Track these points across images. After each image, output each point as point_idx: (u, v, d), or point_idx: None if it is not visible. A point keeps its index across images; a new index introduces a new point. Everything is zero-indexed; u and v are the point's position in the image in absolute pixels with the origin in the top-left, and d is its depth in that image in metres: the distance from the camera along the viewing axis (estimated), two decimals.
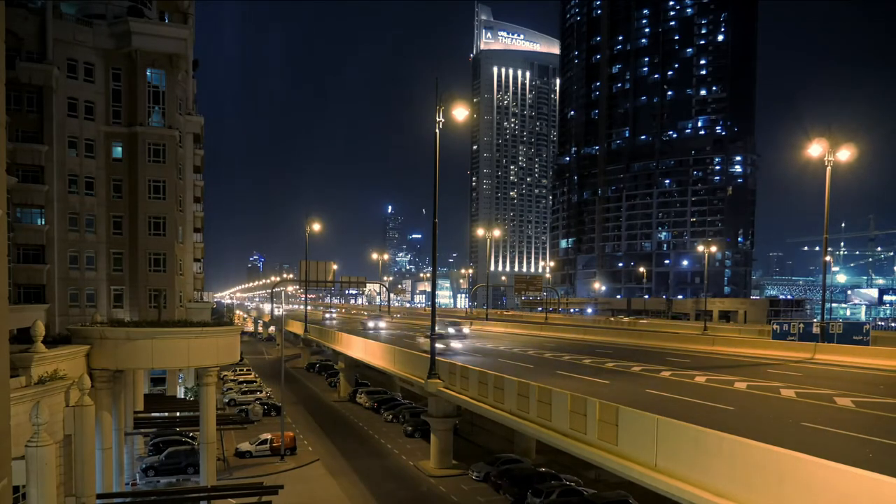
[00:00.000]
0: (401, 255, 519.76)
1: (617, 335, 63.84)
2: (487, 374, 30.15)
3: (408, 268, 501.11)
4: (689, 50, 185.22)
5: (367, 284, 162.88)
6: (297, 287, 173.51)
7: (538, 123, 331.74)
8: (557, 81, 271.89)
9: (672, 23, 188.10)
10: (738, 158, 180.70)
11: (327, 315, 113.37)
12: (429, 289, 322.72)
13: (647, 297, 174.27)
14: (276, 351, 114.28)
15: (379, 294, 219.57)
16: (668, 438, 17.78)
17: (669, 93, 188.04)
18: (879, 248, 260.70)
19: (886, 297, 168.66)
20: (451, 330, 60.32)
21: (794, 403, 25.12)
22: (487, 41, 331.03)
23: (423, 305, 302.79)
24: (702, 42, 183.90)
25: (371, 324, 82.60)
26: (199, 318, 49.63)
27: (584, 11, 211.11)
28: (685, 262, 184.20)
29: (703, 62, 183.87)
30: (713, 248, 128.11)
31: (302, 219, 79.62)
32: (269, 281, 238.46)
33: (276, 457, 43.84)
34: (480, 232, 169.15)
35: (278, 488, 28.24)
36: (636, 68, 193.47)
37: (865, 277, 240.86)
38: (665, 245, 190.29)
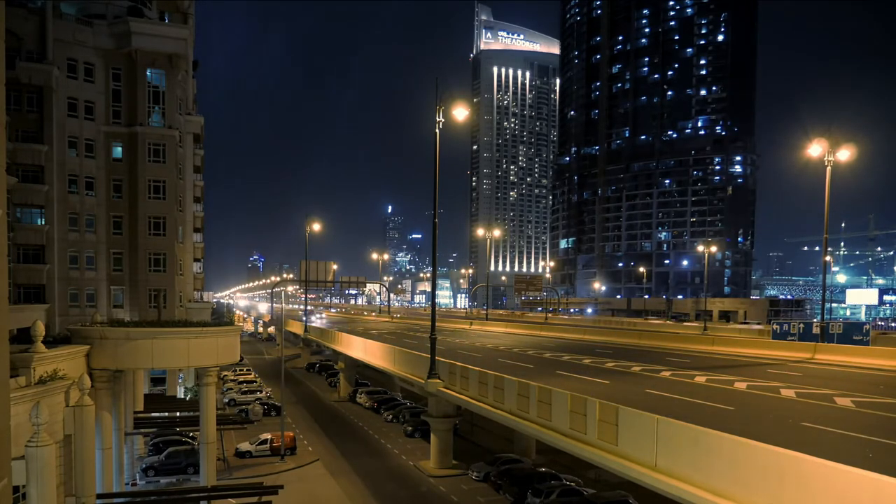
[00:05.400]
0: (401, 255, 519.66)
1: (617, 335, 63.85)
2: (487, 374, 30.14)
3: (408, 268, 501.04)
4: (689, 50, 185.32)
5: (367, 284, 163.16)
6: (297, 287, 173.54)
7: (538, 123, 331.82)
8: (557, 81, 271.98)
9: (672, 23, 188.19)
10: (738, 158, 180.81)
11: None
12: (429, 289, 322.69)
13: (647, 297, 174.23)
14: (276, 351, 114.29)
15: (379, 294, 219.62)
16: (668, 438, 17.78)
17: (669, 93, 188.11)
18: (879, 248, 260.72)
19: (886, 297, 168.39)
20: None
21: (795, 403, 25.13)
22: (487, 41, 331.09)
23: (423, 305, 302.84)
24: (702, 42, 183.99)
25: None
26: (199, 318, 49.65)
27: (584, 11, 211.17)
28: (685, 262, 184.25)
29: (703, 62, 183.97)
30: (713, 248, 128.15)
31: (302, 219, 79.72)
32: (269, 281, 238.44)
33: (276, 457, 43.83)
34: (480, 232, 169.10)
35: (278, 488, 28.22)
36: (636, 68, 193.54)
37: (865, 277, 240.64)
38: (665, 245, 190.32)
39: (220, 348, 30.72)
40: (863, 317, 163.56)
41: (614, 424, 20.06)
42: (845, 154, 41.61)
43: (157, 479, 37.74)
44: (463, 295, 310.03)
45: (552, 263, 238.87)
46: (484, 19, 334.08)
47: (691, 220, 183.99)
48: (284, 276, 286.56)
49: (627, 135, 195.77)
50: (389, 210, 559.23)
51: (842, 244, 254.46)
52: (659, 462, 17.98)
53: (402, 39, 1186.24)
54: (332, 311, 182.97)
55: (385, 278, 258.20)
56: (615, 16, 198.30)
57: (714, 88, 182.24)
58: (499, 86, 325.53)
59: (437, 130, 34.63)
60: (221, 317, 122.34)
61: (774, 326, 53.43)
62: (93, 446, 23.24)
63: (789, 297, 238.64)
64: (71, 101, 44.17)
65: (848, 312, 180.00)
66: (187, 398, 52.85)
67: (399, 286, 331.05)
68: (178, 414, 45.03)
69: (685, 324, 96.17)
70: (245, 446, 44.77)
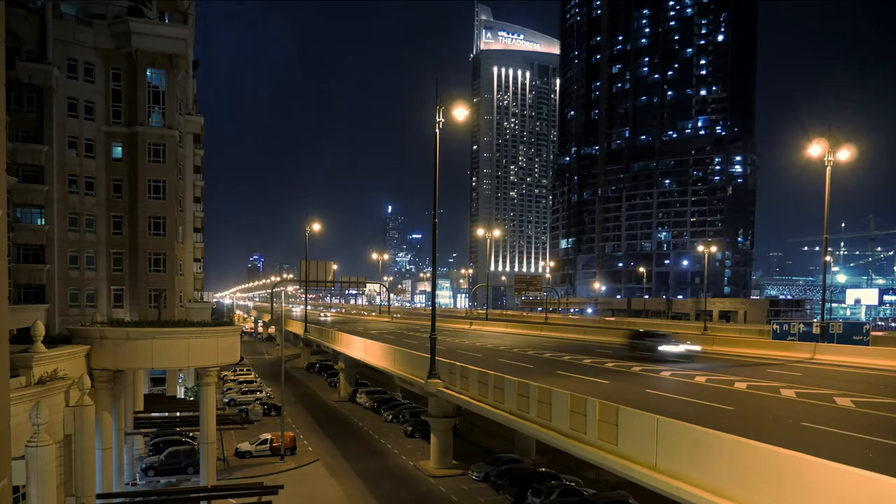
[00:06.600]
0: (401, 255, 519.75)
1: (617, 335, 63.76)
2: (487, 374, 30.14)
3: (408, 268, 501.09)
4: (688, 50, 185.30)
5: (367, 284, 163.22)
6: (297, 287, 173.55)
7: (538, 123, 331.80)
8: (557, 81, 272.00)
9: (672, 23, 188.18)
10: (738, 158, 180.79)
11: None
12: (429, 289, 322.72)
13: (647, 297, 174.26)
14: (276, 351, 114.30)
15: (379, 294, 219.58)
16: (668, 438, 17.78)
17: (669, 93, 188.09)
18: (879, 248, 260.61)
19: (886, 297, 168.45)
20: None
21: (794, 403, 25.12)
22: (487, 41, 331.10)
23: (423, 305, 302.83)
24: (702, 42, 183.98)
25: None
26: (199, 318, 49.63)
27: (584, 11, 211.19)
28: (685, 262, 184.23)
29: (702, 62, 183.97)
30: (713, 248, 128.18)
31: (302, 219, 79.72)
32: (269, 281, 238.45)
33: (276, 457, 43.84)
34: (480, 232, 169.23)
35: (278, 488, 28.23)
36: (636, 68, 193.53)
37: (865, 277, 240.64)
38: (665, 245, 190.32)
39: (220, 348, 30.72)
40: (863, 317, 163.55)
41: (614, 424, 20.06)
42: (845, 154, 41.59)
43: (157, 479, 37.73)
44: (463, 295, 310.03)
45: (552, 263, 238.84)
46: (484, 19, 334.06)
47: (691, 220, 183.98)
48: (284, 276, 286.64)
49: (627, 135, 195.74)
50: (389, 210, 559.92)
51: (842, 244, 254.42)
52: (659, 462, 17.98)
53: (402, 39, 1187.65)
54: (332, 310, 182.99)
55: (385, 278, 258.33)
56: (615, 16, 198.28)
57: (714, 88, 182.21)
58: (499, 86, 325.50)
59: (438, 130, 34.65)
60: (221, 317, 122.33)
61: (774, 326, 53.38)
62: (93, 446, 23.24)
63: (789, 297, 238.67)
64: (71, 101, 44.15)
65: (848, 312, 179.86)
66: (187, 398, 52.85)
67: (399, 286, 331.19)
68: (178, 414, 45.04)
69: (685, 323, 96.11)
70: (245, 446, 44.78)
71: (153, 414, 43.40)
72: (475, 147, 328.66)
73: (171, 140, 47.65)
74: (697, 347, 43.70)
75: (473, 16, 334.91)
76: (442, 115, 34.58)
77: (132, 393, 39.22)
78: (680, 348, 41.84)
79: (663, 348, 41.50)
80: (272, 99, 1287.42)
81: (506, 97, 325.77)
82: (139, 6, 48.03)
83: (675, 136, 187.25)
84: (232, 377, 74.42)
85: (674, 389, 28.80)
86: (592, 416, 21.21)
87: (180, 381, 56.43)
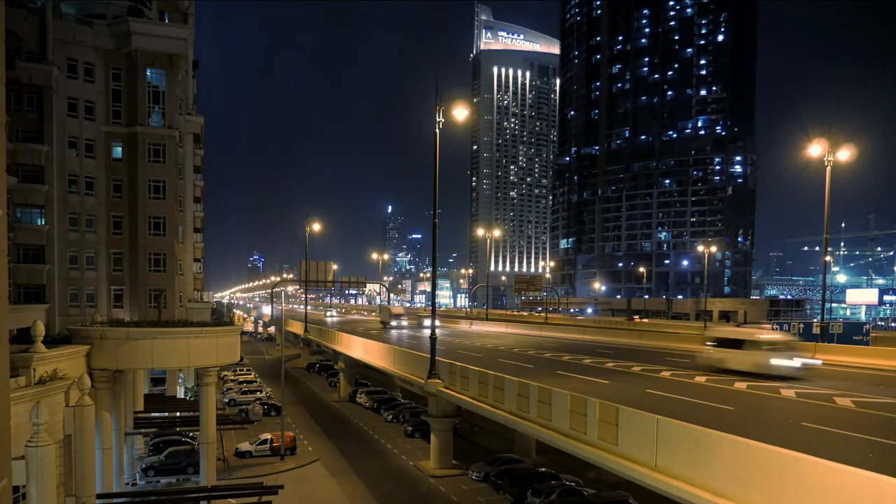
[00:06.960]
0: (401, 255, 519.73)
1: (617, 335, 63.85)
2: (487, 374, 30.14)
3: (408, 268, 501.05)
4: (688, 50, 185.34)
5: (367, 284, 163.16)
6: (297, 287, 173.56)
7: (538, 123, 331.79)
8: (557, 81, 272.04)
9: (672, 23, 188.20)
10: (738, 158, 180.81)
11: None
12: (429, 289, 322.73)
13: (647, 297, 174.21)
14: (276, 351, 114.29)
15: (379, 294, 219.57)
16: (669, 438, 17.78)
17: (669, 93, 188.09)
18: (879, 248, 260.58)
19: (886, 297, 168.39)
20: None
21: (794, 403, 25.12)
22: (487, 41, 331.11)
23: (423, 305, 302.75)
24: (702, 42, 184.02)
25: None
26: (199, 318, 49.61)
27: (584, 11, 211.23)
28: (685, 262, 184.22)
29: (702, 62, 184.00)
30: (713, 248, 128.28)
31: (302, 219, 79.70)
32: (269, 281, 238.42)
33: (276, 457, 43.84)
34: (480, 232, 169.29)
35: (278, 488, 28.23)
36: (636, 68, 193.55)
37: (865, 277, 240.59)
38: (665, 245, 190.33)
39: (220, 348, 30.73)
40: (863, 317, 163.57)
41: (614, 424, 20.06)
42: (845, 154, 41.59)
43: (157, 479, 37.73)
44: (463, 295, 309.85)
45: (552, 263, 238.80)
46: (484, 19, 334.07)
47: (691, 220, 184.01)
48: (284, 276, 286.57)
49: (627, 135, 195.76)
50: (389, 210, 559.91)
51: (842, 244, 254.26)
52: (659, 462, 17.98)
53: (402, 40, 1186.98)
54: (332, 311, 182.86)
55: (385, 278, 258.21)
56: (615, 16, 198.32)
57: (714, 88, 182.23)
58: (499, 86, 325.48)
59: (438, 130, 34.65)
60: (221, 317, 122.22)
61: (774, 326, 53.40)
62: (93, 446, 23.24)
63: (789, 297, 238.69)
64: (71, 101, 44.12)
65: (848, 312, 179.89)
66: (187, 398, 52.85)
67: (399, 286, 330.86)
68: (178, 414, 45.05)
69: (685, 323, 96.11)
70: (245, 446, 44.78)
71: (153, 414, 43.40)
72: (475, 147, 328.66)
73: (171, 140, 47.64)
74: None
75: (473, 16, 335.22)
76: (442, 115, 34.59)
77: (132, 393, 39.22)
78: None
79: None
80: (272, 99, 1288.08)
81: (506, 97, 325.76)
82: (139, 6, 48.01)
83: (675, 136, 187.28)
84: (232, 377, 74.42)
85: (674, 389, 28.79)
86: (592, 416, 21.21)
87: (180, 381, 56.43)
